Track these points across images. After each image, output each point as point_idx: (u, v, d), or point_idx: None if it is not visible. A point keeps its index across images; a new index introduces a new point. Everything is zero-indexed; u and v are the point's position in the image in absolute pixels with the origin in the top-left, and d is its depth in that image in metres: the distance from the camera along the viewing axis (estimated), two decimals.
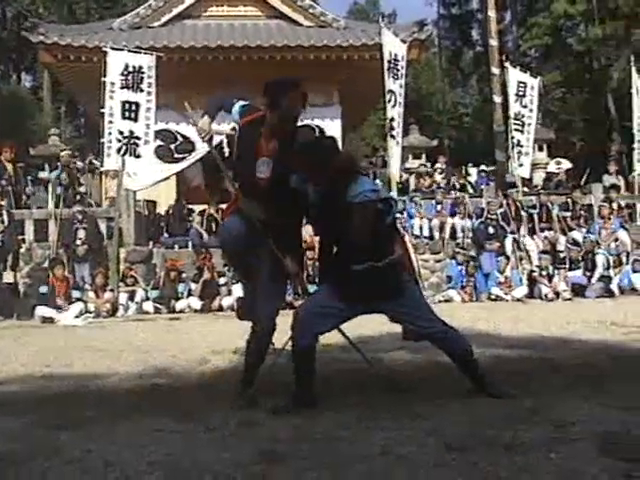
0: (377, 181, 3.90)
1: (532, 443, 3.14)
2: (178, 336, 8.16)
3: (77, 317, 11.14)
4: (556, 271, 12.90)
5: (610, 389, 4.26)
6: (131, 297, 12.10)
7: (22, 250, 13.47)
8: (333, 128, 17.38)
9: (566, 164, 18.72)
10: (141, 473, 2.89)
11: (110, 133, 12.91)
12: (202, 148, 16.99)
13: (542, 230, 14.13)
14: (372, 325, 8.47)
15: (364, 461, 2.94)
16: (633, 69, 17.74)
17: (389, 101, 14.41)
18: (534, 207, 14.51)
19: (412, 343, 6.69)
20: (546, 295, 12.37)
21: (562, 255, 13.55)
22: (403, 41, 15.25)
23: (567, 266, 13.16)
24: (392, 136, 14.47)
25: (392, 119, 14.48)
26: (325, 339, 7.31)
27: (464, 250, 13.39)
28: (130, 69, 12.99)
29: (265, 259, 4.31)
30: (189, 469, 2.92)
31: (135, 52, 13.32)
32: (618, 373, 4.75)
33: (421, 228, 14.31)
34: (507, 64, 16.38)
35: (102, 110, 13.07)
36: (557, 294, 12.44)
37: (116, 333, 8.73)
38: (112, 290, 12.01)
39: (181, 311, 11.85)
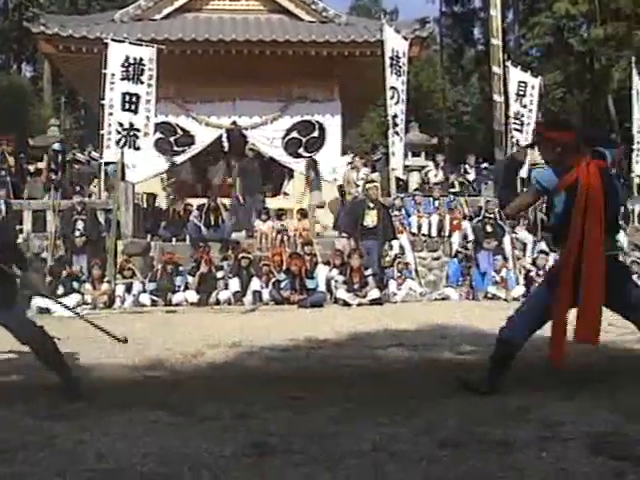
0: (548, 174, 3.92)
1: (523, 442, 3.16)
2: (174, 329, 8.16)
3: (74, 308, 11.14)
4: None
5: (602, 389, 4.28)
6: (128, 289, 12.06)
7: (19, 241, 13.45)
8: (333, 124, 17.39)
9: None
10: (135, 464, 2.90)
11: (110, 125, 12.89)
12: (201, 142, 17.07)
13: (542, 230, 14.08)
14: (367, 322, 8.52)
15: (356, 456, 2.96)
16: (634, 70, 17.74)
17: (392, 98, 14.41)
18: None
19: (406, 340, 6.74)
20: None
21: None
22: (405, 38, 15.23)
23: None
24: (396, 133, 14.48)
25: (395, 116, 14.48)
26: (320, 335, 7.34)
27: (467, 250, 13.38)
28: (131, 61, 12.96)
29: None
30: (182, 461, 2.93)
31: (136, 44, 13.30)
32: (610, 374, 4.77)
33: (420, 226, 14.30)
34: (508, 63, 16.36)
35: (102, 101, 13.05)
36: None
37: (112, 325, 8.67)
38: (109, 282, 12.00)
39: (178, 304, 11.83)
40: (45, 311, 11.03)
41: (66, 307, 5.93)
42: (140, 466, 2.86)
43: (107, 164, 13.52)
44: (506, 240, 13.56)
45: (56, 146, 16.45)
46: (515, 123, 15.68)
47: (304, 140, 17.12)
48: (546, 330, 4.47)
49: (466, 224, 13.94)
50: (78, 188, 14.90)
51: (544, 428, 3.39)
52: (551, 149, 4.35)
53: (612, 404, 3.84)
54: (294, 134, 17.17)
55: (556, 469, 2.75)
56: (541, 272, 12.78)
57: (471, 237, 13.60)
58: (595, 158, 4.25)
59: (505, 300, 12.04)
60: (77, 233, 12.92)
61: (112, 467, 2.87)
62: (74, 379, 4.49)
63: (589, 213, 4.13)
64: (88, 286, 11.91)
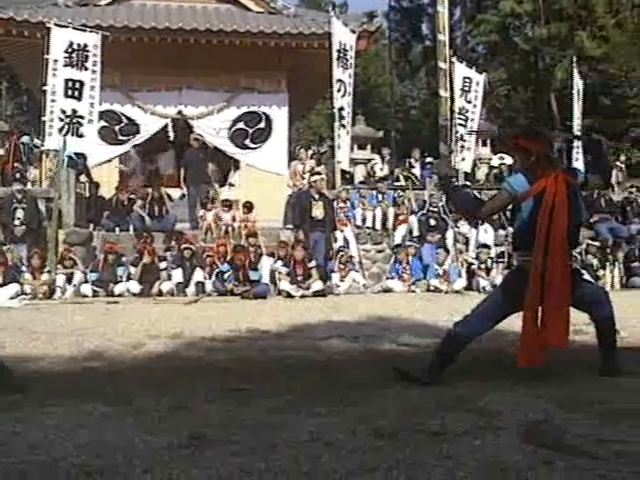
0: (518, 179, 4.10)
1: (459, 431, 3.21)
2: (115, 319, 8.05)
3: (12, 298, 10.91)
4: (494, 264, 13.11)
5: (538, 379, 4.37)
6: (69, 279, 11.86)
7: None
8: (280, 115, 17.37)
9: (509, 159, 18.99)
10: (68, 456, 2.85)
11: (52, 112, 12.63)
12: (146, 131, 16.85)
13: (483, 223, 14.29)
14: (310, 314, 8.55)
15: (293, 447, 2.96)
16: (575, 70, 18.12)
17: (338, 91, 14.45)
18: None
19: (348, 331, 6.79)
20: (484, 288, 12.53)
21: (501, 249, 13.78)
22: (352, 31, 15.27)
23: (505, 260, 13.37)
24: (342, 125, 14.53)
25: (342, 109, 14.53)
26: (263, 326, 7.33)
27: (414, 242, 13.48)
28: (75, 47, 12.72)
29: None
30: (117, 452, 2.90)
31: (80, 30, 13.05)
32: (547, 364, 4.87)
33: (364, 219, 14.37)
34: (454, 59, 16.52)
35: (44, 88, 12.78)
36: (495, 287, 12.61)
37: (52, 315, 8.57)
38: (49, 272, 11.78)
39: (120, 295, 11.68)
40: None
41: None
42: (73, 458, 2.82)
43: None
44: (449, 234, 13.76)
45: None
46: (459, 118, 15.88)
47: (250, 131, 17.07)
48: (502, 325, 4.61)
49: (413, 218, 14.07)
50: (18, 175, 14.60)
51: (480, 418, 3.45)
52: (525, 157, 4.49)
53: (549, 394, 3.93)
54: (240, 125, 17.09)
55: (488, 457, 2.80)
56: (482, 265, 13.02)
57: (417, 232, 13.74)
58: (566, 172, 4.45)
59: (447, 293, 12.23)
60: (17, 222, 12.66)
61: (45, 459, 2.82)
62: (6, 371, 4.40)
63: (554, 222, 4.28)
64: (28, 276, 11.67)
